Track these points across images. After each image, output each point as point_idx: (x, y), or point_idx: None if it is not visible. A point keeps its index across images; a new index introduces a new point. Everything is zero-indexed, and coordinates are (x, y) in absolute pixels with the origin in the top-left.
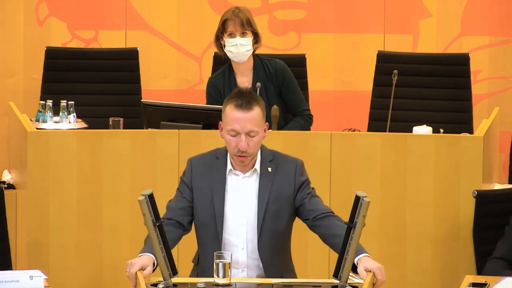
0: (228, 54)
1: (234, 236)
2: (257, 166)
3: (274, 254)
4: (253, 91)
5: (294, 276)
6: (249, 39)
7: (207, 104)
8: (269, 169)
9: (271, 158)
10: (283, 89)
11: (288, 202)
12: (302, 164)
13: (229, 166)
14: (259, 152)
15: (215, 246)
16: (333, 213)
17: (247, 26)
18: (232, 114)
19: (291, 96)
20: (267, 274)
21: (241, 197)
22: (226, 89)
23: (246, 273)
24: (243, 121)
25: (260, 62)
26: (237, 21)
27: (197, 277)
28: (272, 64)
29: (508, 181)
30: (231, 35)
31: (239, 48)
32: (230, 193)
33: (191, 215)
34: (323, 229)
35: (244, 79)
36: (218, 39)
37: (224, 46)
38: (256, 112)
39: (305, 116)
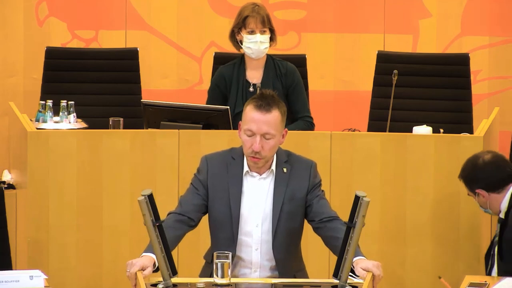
0: (246, 50)
1: (248, 237)
2: (273, 167)
3: (288, 254)
4: (277, 95)
5: (306, 275)
6: (267, 37)
7: (208, 93)
8: (285, 169)
9: (286, 159)
10: (290, 90)
11: (301, 203)
12: (316, 165)
13: (245, 168)
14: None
15: (230, 246)
16: (338, 217)
17: (267, 23)
18: (250, 114)
19: (296, 99)
20: (281, 274)
21: (257, 199)
22: (233, 81)
23: (258, 274)
24: (260, 123)
25: (272, 61)
26: (258, 18)
27: (210, 275)
28: (284, 65)
29: None
30: (252, 32)
31: (259, 45)
32: (246, 195)
33: (203, 212)
34: (326, 231)
35: (254, 74)
36: (234, 35)
37: (241, 42)
38: (275, 116)
39: (306, 122)
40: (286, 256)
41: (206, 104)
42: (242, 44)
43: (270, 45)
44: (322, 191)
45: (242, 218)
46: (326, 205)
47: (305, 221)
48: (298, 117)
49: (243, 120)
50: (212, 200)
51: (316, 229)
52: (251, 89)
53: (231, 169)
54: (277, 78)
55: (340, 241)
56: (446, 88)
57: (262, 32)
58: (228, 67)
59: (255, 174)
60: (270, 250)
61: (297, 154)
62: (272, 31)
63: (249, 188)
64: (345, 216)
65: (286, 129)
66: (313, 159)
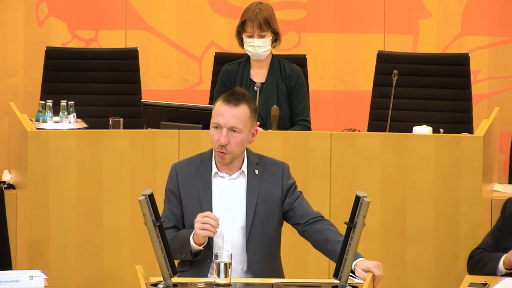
0: (247, 52)
1: (219, 238)
2: (244, 168)
3: (265, 259)
4: (248, 93)
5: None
6: (267, 40)
7: (216, 91)
8: (256, 171)
9: (257, 161)
10: (293, 91)
11: (277, 205)
12: (288, 167)
13: (214, 169)
14: (245, 155)
15: (207, 249)
16: (323, 217)
17: (266, 27)
18: (218, 108)
19: (297, 101)
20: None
21: (228, 199)
22: (238, 78)
23: None
24: (227, 116)
25: (278, 62)
26: (255, 24)
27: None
28: (289, 66)
29: (508, 181)
30: (250, 36)
31: (256, 49)
32: (217, 195)
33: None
34: (314, 234)
35: (259, 74)
36: (240, 34)
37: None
38: (243, 110)
39: (303, 126)
40: (263, 261)
41: (211, 103)
42: (244, 45)
43: (274, 46)
44: (300, 192)
45: None
46: (308, 206)
47: (284, 229)
48: (296, 120)
49: (212, 115)
50: (186, 205)
51: (302, 233)
52: (255, 88)
53: (200, 172)
54: (281, 79)
55: (331, 243)
56: (446, 88)
57: (261, 36)
58: (234, 65)
59: (224, 174)
60: (243, 252)
61: (269, 157)
62: (274, 33)
63: (219, 189)
64: (345, 216)
65: (257, 128)
66: (312, 159)
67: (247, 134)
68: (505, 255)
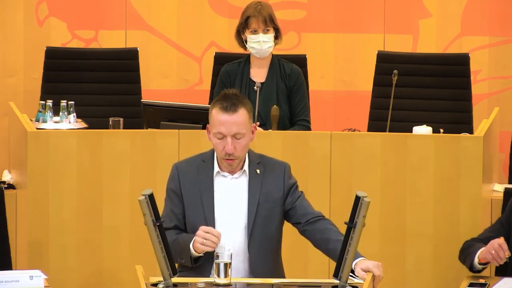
0: (251, 50)
1: (221, 238)
2: (246, 167)
3: (266, 258)
4: (240, 94)
5: None
6: (271, 36)
7: (216, 91)
8: (258, 171)
9: (258, 161)
10: (293, 91)
11: (278, 205)
12: (289, 167)
13: (216, 168)
14: (247, 154)
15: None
16: (324, 216)
17: (270, 22)
18: (217, 117)
19: (297, 101)
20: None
21: (230, 198)
22: (238, 78)
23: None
24: (228, 124)
25: (278, 62)
26: (260, 18)
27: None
28: (289, 66)
29: (508, 181)
30: (254, 32)
31: (261, 45)
32: (219, 195)
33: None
34: (315, 234)
35: (258, 73)
36: (239, 34)
37: (246, 41)
38: (242, 114)
39: (303, 126)
40: (263, 261)
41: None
42: (247, 43)
43: (275, 44)
44: (301, 192)
45: (216, 219)
46: (309, 206)
47: (285, 229)
48: (296, 120)
49: (211, 124)
50: (187, 205)
51: (303, 232)
52: (255, 88)
53: (202, 172)
54: (281, 79)
55: (331, 242)
56: (446, 88)
57: (265, 32)
58: (233, 65)
59: (226, 174)
60: (244, 251)
61: (270, 157)
62: (276, 30)
63: (221, 188)
64: (345, 216)
65: (255, 124)
66: (312, 159)
67: (249, 135)
68: (480, 250)
